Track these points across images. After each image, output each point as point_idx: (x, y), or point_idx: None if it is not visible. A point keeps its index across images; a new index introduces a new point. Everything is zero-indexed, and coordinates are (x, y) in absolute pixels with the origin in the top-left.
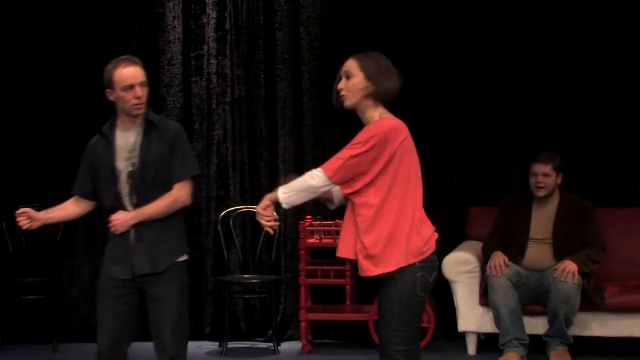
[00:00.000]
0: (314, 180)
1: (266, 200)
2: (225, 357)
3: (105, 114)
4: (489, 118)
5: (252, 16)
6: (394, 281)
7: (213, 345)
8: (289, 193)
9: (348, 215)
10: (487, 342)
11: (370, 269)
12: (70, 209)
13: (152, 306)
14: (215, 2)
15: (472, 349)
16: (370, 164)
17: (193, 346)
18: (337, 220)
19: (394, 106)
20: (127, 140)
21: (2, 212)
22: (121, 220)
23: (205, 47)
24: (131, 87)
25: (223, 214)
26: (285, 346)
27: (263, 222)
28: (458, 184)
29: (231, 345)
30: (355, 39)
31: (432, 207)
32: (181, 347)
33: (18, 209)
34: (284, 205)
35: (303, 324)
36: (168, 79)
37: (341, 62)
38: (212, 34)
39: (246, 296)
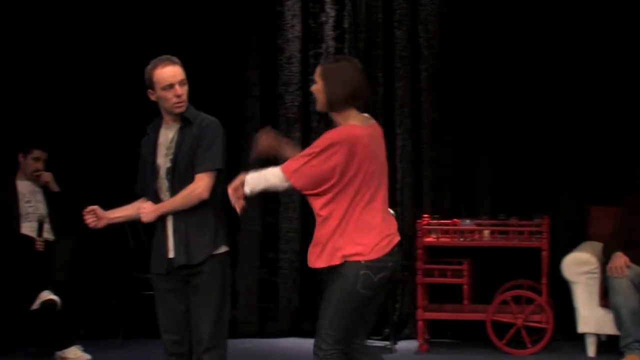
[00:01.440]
0: (273, 178)
1: (237, 181)
2: None
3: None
4: (610, 116)
5: (371, 14)
6: (337, 274)
7: None
8: (254, 179)
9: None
10: (607, 343)
11: (310, 261)
12: (135, 207)
13: (192, 296)
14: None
15: (591, 350)
16: (332, 170)
17: (311, 343)
18: (455, 219)
19: (521, 102)
20: (166, 137)
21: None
22: (147, 210)
23: (324, 45)
24: (171, 86)
25: None
26: (401, 345)
27: (232, 201)
28: (578, 183)
29: None
30: (474, 37)
31: (552, 206)
32: (219, 339)
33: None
34: (246, 189)
35: (420, 323)
36: (286, 77)
37: (460, 60)
38: (330, 32)
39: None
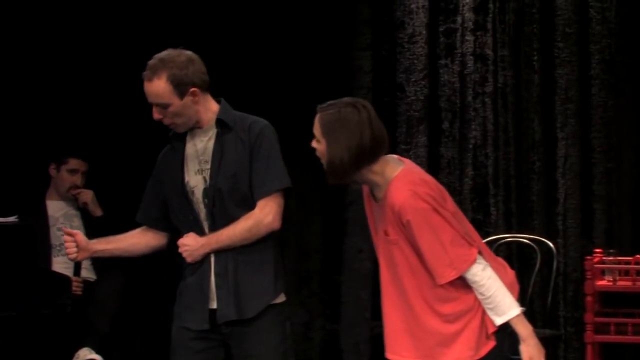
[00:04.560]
0: (488, 278)
1: None
2: None
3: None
4: None
5: None
6: None
7: None
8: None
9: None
10: None
11: None
12: (131, 240)
13: None
14: None
15: None
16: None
17: None
18: (638, 255)
19: None
20: (195, 148)
21: None
22: (189, 247)
23: (459, 19)
24: (151, 105)
25: None
26: None
27: None
28: None
29: None
30: None
31: None
32: None
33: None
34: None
35: None
36: (408, 62)
37: None
38: (467, 1)
39: (513, 357)
